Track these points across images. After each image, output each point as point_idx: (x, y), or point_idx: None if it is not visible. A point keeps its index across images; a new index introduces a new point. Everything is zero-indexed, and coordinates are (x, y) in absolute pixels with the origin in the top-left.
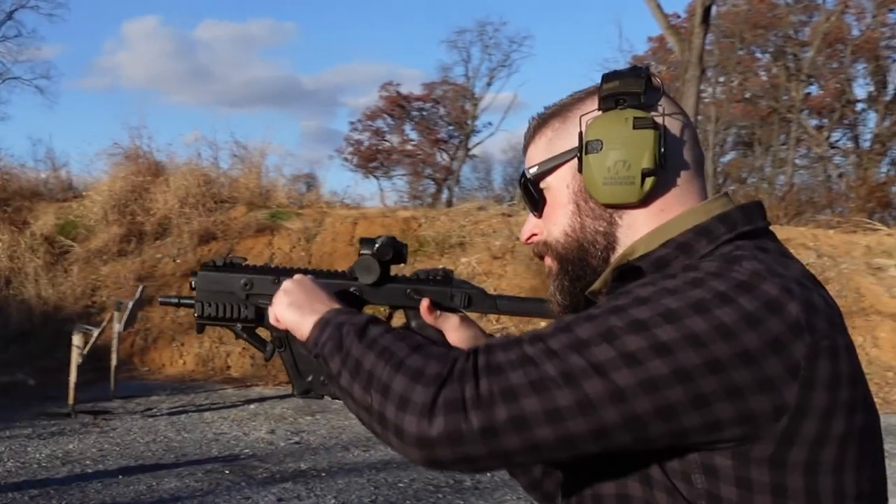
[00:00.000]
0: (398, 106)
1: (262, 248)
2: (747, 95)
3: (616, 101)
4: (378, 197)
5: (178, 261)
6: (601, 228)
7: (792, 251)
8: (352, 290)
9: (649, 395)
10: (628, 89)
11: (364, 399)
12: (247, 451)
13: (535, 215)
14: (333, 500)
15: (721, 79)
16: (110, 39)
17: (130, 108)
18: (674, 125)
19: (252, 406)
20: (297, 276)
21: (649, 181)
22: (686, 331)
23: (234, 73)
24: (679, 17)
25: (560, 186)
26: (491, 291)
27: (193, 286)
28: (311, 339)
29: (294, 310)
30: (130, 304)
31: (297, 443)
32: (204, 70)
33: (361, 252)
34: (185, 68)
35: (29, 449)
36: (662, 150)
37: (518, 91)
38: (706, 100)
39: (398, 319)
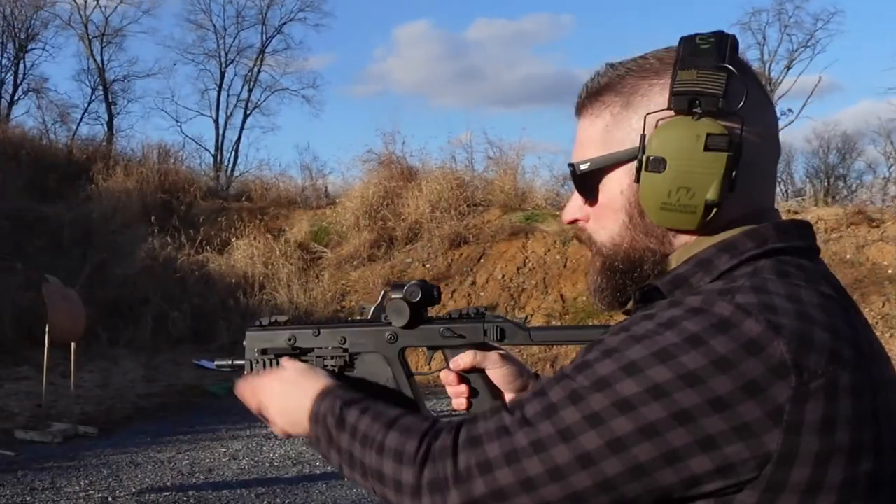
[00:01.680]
0: None
1: (516, 252)
2: None
3: (690, 103)
4: None
5: (427, 265)
6: (652, 245)
7: None
8: (387, 334)
9: (618, 456)
10: (706, 89)
11: (367, 486)
12: None
13: (584, 202)
14: None
15: None
16: (381, 45)
17: (396, 112)
18: (754, 132)
19: None
20: (272, 374)
21: (713, 211)
22: (648, 383)
23: (505, 72)
24: None
25: (614, 189)
26: None
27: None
28: (312, 439)
29: (292, 424)
30: (372, 309)
31: None
32: (474, 70)
33: (392, 297)
34: (455, 70)
35: (264, 448)
36: (734, 174)
37: (824, 73)
38: None
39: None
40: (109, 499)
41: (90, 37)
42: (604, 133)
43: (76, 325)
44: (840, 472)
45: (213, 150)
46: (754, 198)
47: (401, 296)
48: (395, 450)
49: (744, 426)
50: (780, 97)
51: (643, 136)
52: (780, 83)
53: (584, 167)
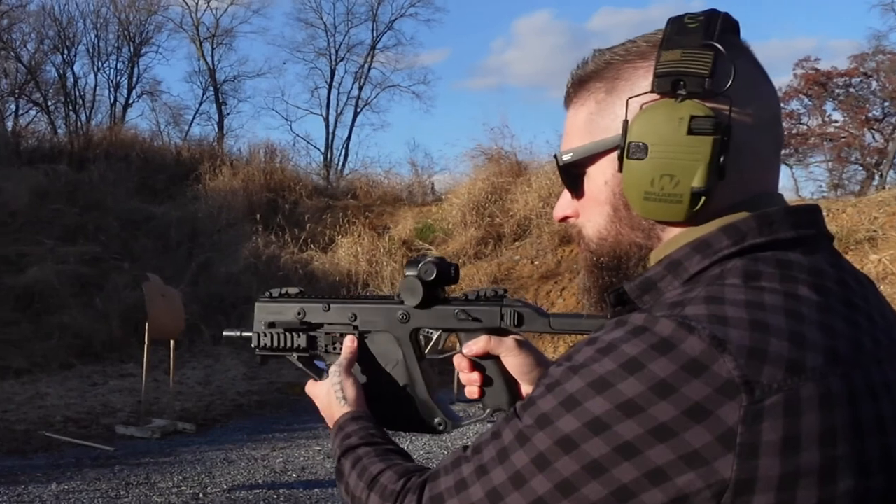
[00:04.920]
0: (817, 84)
1: None
2: None
3: (673, 84)
4: (791, 188)
5: (535, 262)
6: (638, 240)
7: None
8: (399, 314)
9: (569, 498)
10: (691, 69)
11: None
12: None
13: (572, 196)
14: None
15: None
16: (499, 38)
17: (509, 106)
18: (746, 114)
19: None
20: (308, 389)
21: (701, 200)
22: (587, 417)
23: None
24: None
25: (598, 179)
26: None
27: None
28: None
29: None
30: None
31: None
32: None
33: (406, 274)
34: (577, 61)
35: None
36: (722, 159)
37: None
38: None
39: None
40: (201, 495)
41: (201, 38)
42: (588, 121)
43: (175, 322)
44: (813, 496)
45: (322, 149)
46: (749, 184)
47: (415, 273)
48: None
49: (693, 454)
50: None
51: (625, 122)
52: None
53: (566, 157)
